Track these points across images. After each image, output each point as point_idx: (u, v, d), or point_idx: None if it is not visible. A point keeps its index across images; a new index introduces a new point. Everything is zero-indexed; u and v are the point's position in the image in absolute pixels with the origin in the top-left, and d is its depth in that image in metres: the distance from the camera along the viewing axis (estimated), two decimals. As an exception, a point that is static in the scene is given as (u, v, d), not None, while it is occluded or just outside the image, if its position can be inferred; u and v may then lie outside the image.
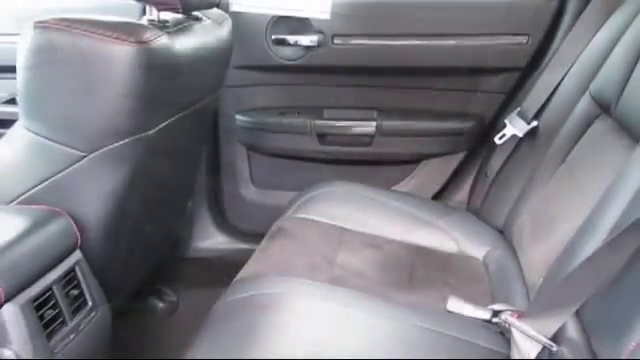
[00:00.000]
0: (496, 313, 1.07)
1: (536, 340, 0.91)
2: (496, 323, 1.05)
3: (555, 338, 0.90)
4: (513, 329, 0.94)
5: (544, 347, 0.91)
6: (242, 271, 1.24)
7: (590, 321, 0.86)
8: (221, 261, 1.88)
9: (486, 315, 1.08)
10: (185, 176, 1.64)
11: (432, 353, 0.98)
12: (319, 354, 0.95)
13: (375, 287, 1.19)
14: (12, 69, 1.78)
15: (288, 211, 1.53)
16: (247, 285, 1.14)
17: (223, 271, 1.35)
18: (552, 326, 0.90)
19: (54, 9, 1.76)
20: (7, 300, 0.94)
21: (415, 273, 1.29)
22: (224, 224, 1.98)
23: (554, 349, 0.89)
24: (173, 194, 1.59)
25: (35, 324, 0.98)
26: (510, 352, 0.96)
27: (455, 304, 1.12)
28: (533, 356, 0.91)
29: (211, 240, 1.95)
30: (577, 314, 0.89)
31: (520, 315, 0.95)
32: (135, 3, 1.46)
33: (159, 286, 1.80)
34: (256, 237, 1.44)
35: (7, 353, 0.94)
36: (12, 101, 1.91)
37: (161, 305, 1.77)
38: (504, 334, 1.02)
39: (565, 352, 0.87)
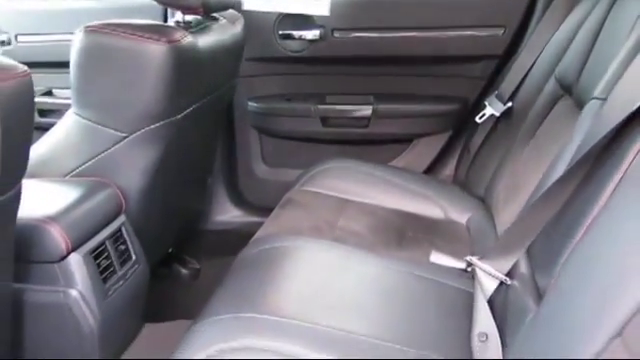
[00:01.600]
0: (470, 264, 1.21)
1: (494, 276, 1.09)
2: (470, 271, 1.21)
3: (510, 274, 1.08)
4: (477, 269, 1.12)
5: (501, 282, 1.09)
6: (258, 233, 1.41)
7: (534, 257, 1.04)
8: (236, 232, 2.01)
9: (462, 265, 1.22)
10: (205, 155, 1.80)
11: (411, 291, 1.17)
12: (322, 293, 1.12)
13: (369, 245, 1.35)
14: (49, 65, 2.00)
15: (296, 185, 1.66)
16: (263, 242, 1.31)
17: (238, 241, 1.42)
18: (507, 264, 1.08)
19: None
20: (73, 250, 1.15)
21: (405, 235, 1.45)
22: (239, 199, 2.12)
23: (508, 283, 1.07)
24: (195, 170, 1.74)
25: (94, 271, 1.18)
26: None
27: (437, 257, 1.25)
28: (492, 290, 1.09)
29: (227, 214, 2.09)
30: (528, 252, 1.06)
31: (482, 257, 1.15)
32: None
33: (183, 255, 1.94)
34: (267, 211, 1.56)
35: (74, 293, 1.15)
36: (49, 93, 2.12)
37: (184, 271, 1.90)
38: (474, 278, 1.19)
39: (516, 285, 1.05)
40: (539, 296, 0.96)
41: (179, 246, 1.89)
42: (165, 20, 1.91)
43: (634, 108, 0.85)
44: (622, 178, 0.84)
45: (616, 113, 0.91)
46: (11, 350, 1.10)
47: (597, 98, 1.09)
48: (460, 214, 1.56)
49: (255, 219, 1.97)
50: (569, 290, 0.83)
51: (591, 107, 1.10)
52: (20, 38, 2.07)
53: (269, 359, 0.94)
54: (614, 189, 0.85)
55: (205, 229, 2.08)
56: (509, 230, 1.15)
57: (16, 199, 0.88)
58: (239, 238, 1.45)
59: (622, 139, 0.89)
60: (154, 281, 1.47)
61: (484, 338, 1.00)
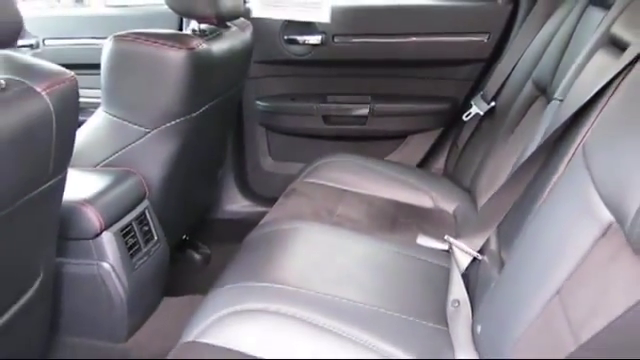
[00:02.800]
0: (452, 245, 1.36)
1: (467, 253, 1.25)
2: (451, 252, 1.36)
3: (482, 250, 1.23)
4: (453, 247, 1.28)
5: (474, 258, 1.25)
6: (264, 218, 1.54)
7: (502, 234, 1.19)
8: (244, 221, 2.05)
9: (444, 246, 1.37)
10: (217, 149, 1.92)
11: (399, 267, 1.31)
12: (322, 267, 1.25)
13: (364, 229, 1.48)
14: (74, 67, 2.14)
15: (299, 177, 1.77)
16: (268, 225, 1.46)
17: (246, 229, 1.51)
18: (479, 242, 1.24)
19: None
20: (105, 229, 1.31)
21: (397, 221, 1.57)
22: (247, 190, 2.24)
23: (480, 258, 1.23)
24: (208, 163, 1.87)
25: (123, 247, 1.34)
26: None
27: (423, 239, 1.42)
28: (466, 265, 1.25)
29: (236, 204, 2.21)
30: (498, 231, 1.21)
31: (459, 236, 1.30)
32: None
33: (195, 241, 2.06)
34: (273, 201, 1.66)
35: (106, 265, 1.31)
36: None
37: (197, 256, 2.02)
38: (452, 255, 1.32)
39: (486, 260, 1.21)
40: (502, 267, 1.11)
41: (192, 233, 2.02)
42: (180, 26, 2.05)
43: (577, 108, 1.02)
44: (566, 167, 1.01)
45: (568, 112, 1.08)
46: (51, 316, 1.25)
47: (556, 99, 1.25)
48: (448, 203, 1.67)
49: (262, 209, 2.04)
50: (521, 260, 1.00)
51: (552, 107, 1.26)
52: (47, 42, 2.21)
53: (276, 320, 1.05)
54: (560, 176, 1.01)
55: (216, 218, 2.19)
56: (481, 212, 1.31)
57: (63, 182, 1.05)
58: (247, 226, 1.54)
59: (569, 133, 1.05)
60: (169, 265, 1.59)
61: (457, 304, 1.15)
